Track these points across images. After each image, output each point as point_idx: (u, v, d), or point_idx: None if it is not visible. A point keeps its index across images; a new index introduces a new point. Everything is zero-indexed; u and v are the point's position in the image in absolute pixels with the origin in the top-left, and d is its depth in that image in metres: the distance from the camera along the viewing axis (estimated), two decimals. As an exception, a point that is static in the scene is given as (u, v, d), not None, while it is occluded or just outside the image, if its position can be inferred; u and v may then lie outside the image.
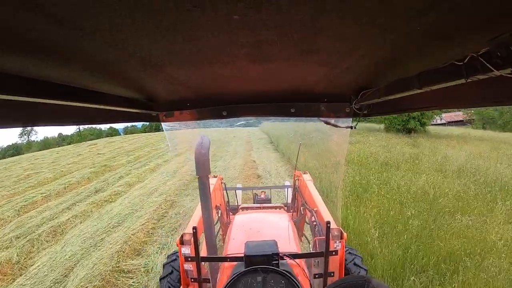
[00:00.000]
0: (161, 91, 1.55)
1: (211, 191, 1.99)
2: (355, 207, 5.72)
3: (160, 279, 2.64)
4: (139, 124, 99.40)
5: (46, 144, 70.27)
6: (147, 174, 10.99)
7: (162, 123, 2.03)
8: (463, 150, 15.75)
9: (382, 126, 27.30)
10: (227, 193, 4.00)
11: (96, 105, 1.18)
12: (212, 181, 3.45)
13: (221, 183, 3.86)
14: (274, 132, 19.57)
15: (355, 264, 2.67)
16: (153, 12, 0.54)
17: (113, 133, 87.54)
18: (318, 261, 2.23)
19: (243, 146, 17.64)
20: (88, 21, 0.57)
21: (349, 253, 2.79)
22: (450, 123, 45.02)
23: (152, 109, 1.84)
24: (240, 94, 1.71)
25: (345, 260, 2.61)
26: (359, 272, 2.59)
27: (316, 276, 2.06)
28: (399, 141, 18.25)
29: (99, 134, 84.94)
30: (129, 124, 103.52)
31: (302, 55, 0.91)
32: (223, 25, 0.63)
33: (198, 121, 2.04)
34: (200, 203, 1.92)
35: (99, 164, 13.83)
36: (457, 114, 49.59)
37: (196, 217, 2.42)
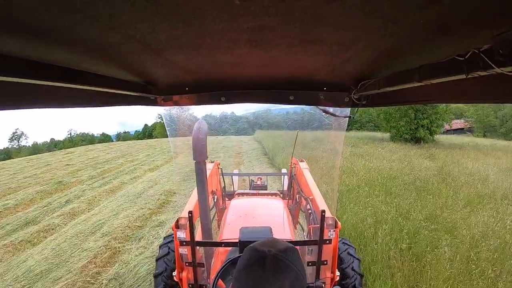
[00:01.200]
0: (160, 75, 1.53)
1: (207, 176, 2.08)
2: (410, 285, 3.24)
3: (157, 260, 2.66)
4: (132, 131, 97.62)
5: (35, 149, 68.05)
6: (102, 197, 8.43)
7: (160, 109, 2.05)
8: (487, 163, 13.60)
9: (386, 135, 25.17)
10: (223, 178, 3.95)
11: (95, 88, 1.17)
12: (209, 166, 3.40)
13: (218, 168, 3.80)
14: (268, 142, 16.99)
15: (348, 253, 2.68)
16: None
17: (106, 139, 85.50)
18: (311, 249, 2.20)
19: (233, 158, 15.05)
20: (89, 4, 0.55)
21: (343, 243, 2.80)
22: (449, 131, 43.43)
23: (150, 93, 1.78)
24: (239, 80, 1.69)
25: (339, 249, 2.60)
26: (352, 262, 2.62)
27: (309, 264, 2.01)
28: (413, 153, 15.95)
29: (92, 140, 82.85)
30: (121, 131, 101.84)
31: (303, 43, 0.91)
32: (224, 9, 0.62)
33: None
34: (196, 188, 1.92)
35: (54, 180, 11.23)
36: (456, 122, 48.76)
37: (192, 201, 2.41)
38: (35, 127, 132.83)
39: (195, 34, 0.79)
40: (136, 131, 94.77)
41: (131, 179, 10.45)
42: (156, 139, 33.00)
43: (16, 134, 78.88)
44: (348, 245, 2.77)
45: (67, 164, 15.73)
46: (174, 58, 1.12)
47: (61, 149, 45.13)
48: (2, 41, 0.66)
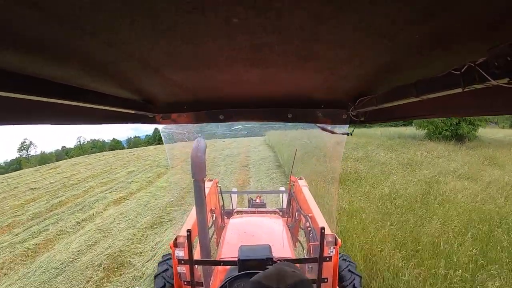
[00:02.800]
0: (159, 93, 1.52)
1: (206, 195, 2.04)
2: None
3: (155, 276, 2.61)
4: (142, 136, 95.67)
5: (43, 158, 66.96)
6: (9, 270, 5.11)
7: (159, 126, 2.02)
8: None
9: (419, 132, 21.27)
10: (222, 197, 3.92)
11: (93, 105, 1.15)
12: (208, 185, 3.37)
13: (217, 186, 3.78)
14: (283, 148, 13.30)
15: (349, 270, 2.61)
16: (153, 13, 0.54)
17: (117, 145, 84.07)
18: (312, 267, 2.18)
19: (237, 173, 11.51)
20: (88, 21, 0.55)
21: (343, 259, 2.72)
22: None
23: (149, 111, 1.76)
24: (237, 98, 1.68)
25: (339, 267, 2.53)
26: (353, 280, 2.51)
27: None
28: (474, 160, 12.05)
29: (102, 147, 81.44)
30: (132, 136, 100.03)
31: (301, 61, 0.91)
32: (222, 28, 0.62)
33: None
34: (195, 206, 1.91)
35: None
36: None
37: (190, 220, 2.38)
38: (45, 136, 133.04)
39: (194, 52, 0.79)
40: (146, 135, 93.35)
41: (78, 222, 7.08)
42: (155, 146, 29.99)
43: (25, 144, 78.50)
44: (349, 261, 2.69)
45: (32, 188, 12.71)
46: (173, 76, 1.12)
47: (71, 157, 43.01)
48: (1, 56, 0.65)
